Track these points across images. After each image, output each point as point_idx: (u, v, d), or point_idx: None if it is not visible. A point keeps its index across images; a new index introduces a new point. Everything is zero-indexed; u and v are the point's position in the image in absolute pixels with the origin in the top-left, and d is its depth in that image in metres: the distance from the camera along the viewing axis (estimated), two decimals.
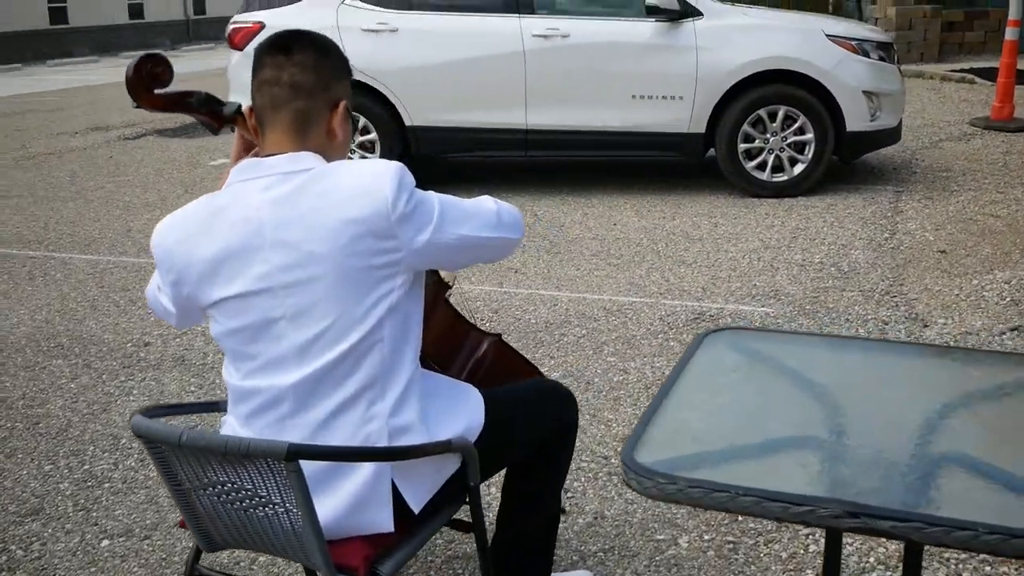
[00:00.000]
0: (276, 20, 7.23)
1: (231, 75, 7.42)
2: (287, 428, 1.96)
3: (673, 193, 7.16)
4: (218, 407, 2.17)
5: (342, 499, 1.95)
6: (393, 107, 7.13)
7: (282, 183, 1.87)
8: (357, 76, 6.93)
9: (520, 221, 2.10)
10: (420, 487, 2.04)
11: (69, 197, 7.75)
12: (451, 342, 2.38)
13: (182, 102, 2.01)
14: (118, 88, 16.59)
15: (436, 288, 2.33)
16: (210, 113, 2.06)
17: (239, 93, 7.27)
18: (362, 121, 7.14)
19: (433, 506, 2.09)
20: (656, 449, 1.64)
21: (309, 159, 1.91)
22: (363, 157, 7.22)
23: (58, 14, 27.06)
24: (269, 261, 1.87)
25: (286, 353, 1.92)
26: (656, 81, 6.93)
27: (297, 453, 1.75)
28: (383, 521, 1.96)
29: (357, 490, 1.95)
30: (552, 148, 7.22)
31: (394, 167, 1.87)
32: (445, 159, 7.93)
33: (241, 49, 7.25)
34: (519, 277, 5.37)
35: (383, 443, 1.96)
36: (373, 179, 1.85)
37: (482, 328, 2.54)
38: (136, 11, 29.30)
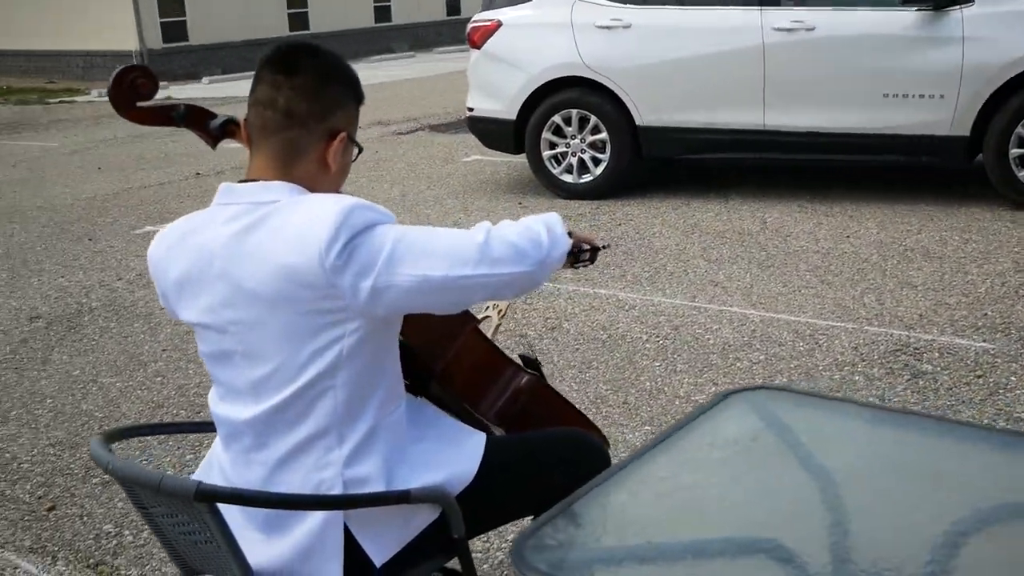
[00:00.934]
0: (512, 17, 7.22)
1: (470, 74, 7.50)
2: (251, 462, 1.87)
3: (926, 203, 6.40)
4: (201, 428, 2.11)
5: (289, 545, 1.83)
6: (624, 106, 6.91)
7: (247, 214, 1.76)
8: (588, 74, 6.82)
9: (525, 251, 1.75)
10: (384, 539, 1.87)
11: None
12: (483, 376, 2.17)
13: (164, 116, 1.96)
14: (416, 84, 17.46)
15: (464, 318, 2.14)
16: (195, 127, 1.99)
17: (478, 92, 7.35)
18: (592, 120, 6.99)
19: (408, 559, 1.91)
20: (562, 539, 1.37)
21: (280, 190, 1.78)
22: (593, 158, 7.07)
23: (382, 12, 28.94)
24: (213, 294, 1.78)
25: (242, 388, 1.83)
26: (913, 78, 6.22)
27: (206, 495, 1.64)
28: (330, 573, 1.82)
29: (304, 538, 1.82)
30: (791, 151, 6.68)
31: (338, 209, 1.68)
32: (677, 160, 7.59)
33: (480, 47, 7.30)
34: (716, 291, 5.00)
35: (337, 492, 1.81)
36: (312, 224, 1.68)
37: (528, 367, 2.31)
38: (453, 9, 30.77)
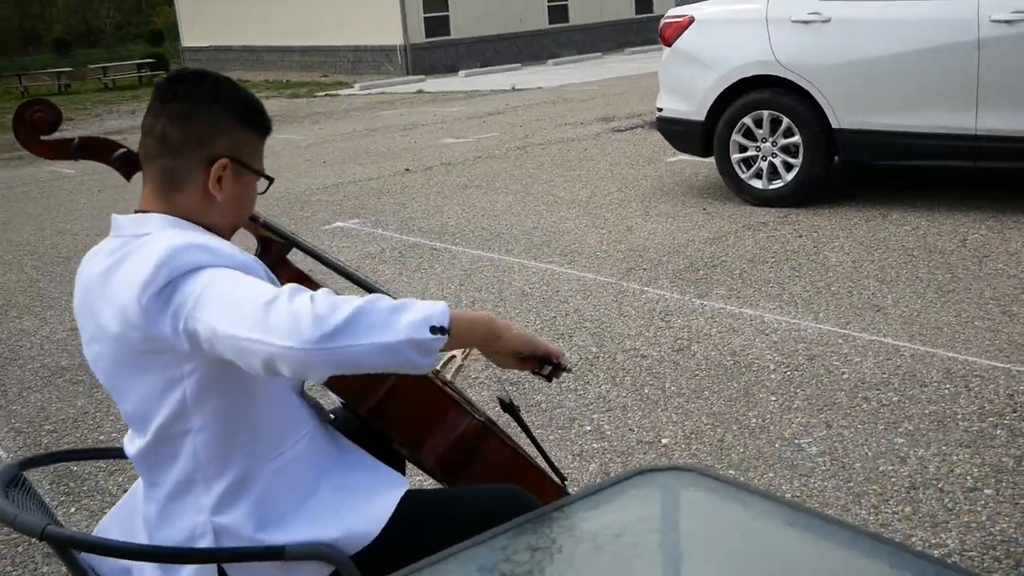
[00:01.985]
0: (705, 13, 6.87)
1: (660, 73, 7.22)
2: (149, 499, 1.82)
3: None
4: (106, 455, 2.07)
5: None
6: (819, 107, 6.39)
7: (120, 248, 1.70)
8: (782, 73, 6.37)
9: (300, 325, 1.44)
10: None
11: (509, 190, 8.15)
12: (423, 419, 2.02)
13: (62, 149, 1.93)
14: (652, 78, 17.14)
15: None
16: (98, 159, 1.95)
17: (668, 92, 7.06)
18: (785, 122, 6.53)
19: None
20: None
21: (155, 223, 1.71)
22: (785, 163, 6.61)
23: (644, 4, 28.68)
24: (86, 328, 1.74)
25: (128, 422, 1.79)
26: None
27: (50, 537, 1.60)
28: None
29: None
30: (1010, 158, 5.92)
31: (163, 250, 1.57)
32: (876, 166, 6.94)
33: (671, 45, 7.00)
34: (875, 318, 4.50)
35: (207, 541, 1.73)
36: (141, 263, 1.59)
37: (476, 411, 2.13)
38: None
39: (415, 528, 1.83)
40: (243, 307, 1.50)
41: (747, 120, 6.68)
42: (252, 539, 1.73)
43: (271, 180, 1.86)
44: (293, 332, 1.44)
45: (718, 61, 6.69)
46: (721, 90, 6.70)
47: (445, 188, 8.46)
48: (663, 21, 7.15)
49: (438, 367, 2.16)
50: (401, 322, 1.50)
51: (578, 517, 1.52)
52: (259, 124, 1.82)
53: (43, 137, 1.91)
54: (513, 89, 17.82)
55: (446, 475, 2.01)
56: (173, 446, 1.70)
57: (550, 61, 24.35)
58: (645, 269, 5.54)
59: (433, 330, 1.51)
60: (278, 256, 2.07)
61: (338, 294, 1.54)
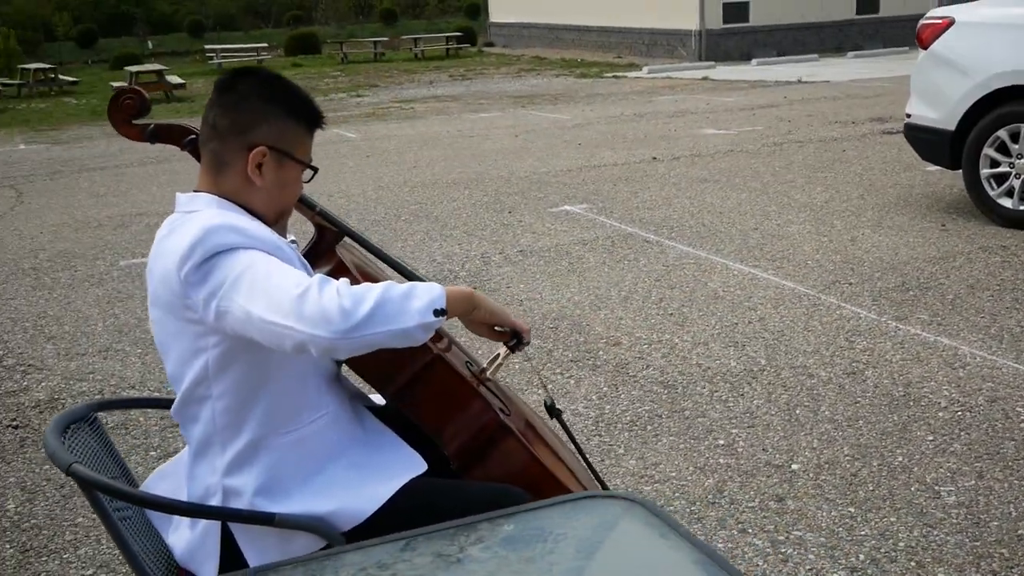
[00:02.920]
0: (967, 15, 6.34)
1: (912, 77, 6.75)
2: (188, 454, 2.03)
3: None
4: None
5: (186, 538, 1.95)
6: None
7: (176, 221, 1.91)
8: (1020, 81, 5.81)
9: (330, 317, 1.62)
10: (263, 551, 1.92)
11: (747, 187, 7.92)
12: (447, 408, 2.09)
13: (139, 133, 2.13)
14: None
15: (419, 349, 2.05)
16: (171, 143, 2.14)
17: (918, 98, 6.63)
18: None
19: None
20: None
21: (203, 201, 1.90)
22: (1018, 176, 6.02)
23: (866, 4, 26.37)
24: (149, 291, 1.94)
25: (170, 381, 1.99)
26: None
27: (73, 474, 1.83)
28: (207, 573, 1.92)
29: (189, 535, 1.94)
30: None
31: (200, 231, 1.74)
32: None
33: (927, 48, 6.53)
34: None
35: (216, 500, 1.91)
36: (183, 238, 1.77)
37: (508, 407, 2.17)
38: None
39: (407, 513, 1.91)
40: (278, 296, 1.65)
41: (1002, 133, 6.13)
42: (251, 503, 1.88)
43: (315, 170, 2.00)
44: (324, 322, 1.62)
45: (975, 67, 6.16)
46: (976, 99, 6.18)
47: (683, 180, 8.37)
48: (921, 22, 6.67)
49: (484, 364, 2.22)
50: (412, 309, 1.68)
51: (502, 531, 1.54)
52: (306, 117, 1.95)
53: (134, 121, 2.14)
54: (799, 81, 17.16)
55: (461, 466, 2.07)
56: (196, 409, 1.89)
57: (850, 54, 23.17)
58: (851, 284, 5.26)
59: (436, 313, 1.70)
60: (331, 244, 2.19)
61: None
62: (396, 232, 7.00)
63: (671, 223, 6.84)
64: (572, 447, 2.41)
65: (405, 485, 1.95)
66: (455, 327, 2.35)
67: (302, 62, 28.49)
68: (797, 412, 3.79)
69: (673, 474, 3.37)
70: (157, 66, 22.04)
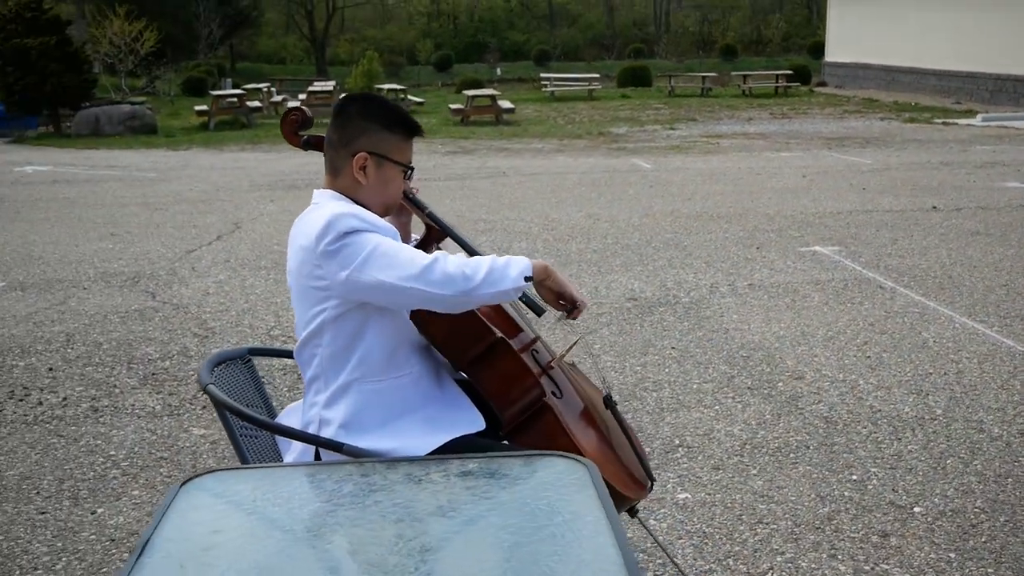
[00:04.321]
0: None
1: None
2: None
3: None
4: None
5: (291, 455, 2.51)
6: None
7: (309, 210, 2.49)
8: None
9: (454, 280, 2.20)
10: None
11: (1021, 243, 7.53)
12: (505, 384, 2.48)
13: (297, 142, 2.70)
14: None
15: (480, 332, 2.44)
16: (320, 151, 2.67)
17: None
18: None
19: None
20: None
21: (324, 196, 2.46)
22: None
23: None
24: (288, 263, 2.52)
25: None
26: None
27: (208, 392, 2.45)
28: None
29: (295, 454, 2.49)
30: None
31: (330, 214, 2.29)
32: None
33: None
34: None
35: (314, 427, 2.45)
36: (316, 221, 2.34)
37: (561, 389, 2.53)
38: None
39: None
40: (409, 267, 2.23)
41: None
42: (336, 434, 2.40)
43: (410, 169, 2.49)
44: (449, 284, 2.22)
45: None
46: None
47: (953, 231, 8.08)
48: None
49: (559, 353, 2.61)
50: (510, 275, 2.25)
51: (465, 466, 1.94)
52: (399, 128, 2.45)
53: (298, 132, 2.73)
54: None
55: (509, 433, 2.47)
56: (309, 354, 2.43)
57: None
58: None
59: (526, 279, 2.27)
60: (436, 240, 2.67)
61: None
62: (640, 256, 7.39)
63: (915, 272, 6.72)
64: (624, 437, 2.70)
65: (456, 439, 2.39)
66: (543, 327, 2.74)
67: (630, 94, 29.38)
68: (947, 462, 3.79)
69: (792, 498, 3.54)
70: (492, 91, 23.70)
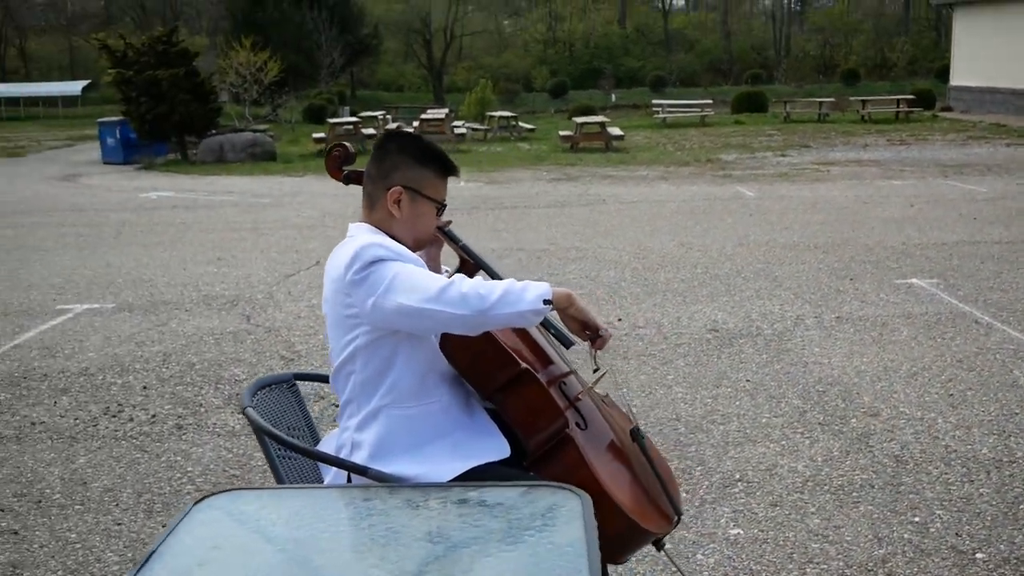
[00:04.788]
0: None
1: None
2: None
3: None
4: None
5: (326, 478, 2.61)
6: None
7: (344, 242, 2.59)
8: None
9: (469, 300, 2.26)
10: None
11: None
12: (531, 415, 2.52)
13: (339, 177, 2.81)
14: None
15: (503, 361, 2.49)
16: (359, 185, 2.77)
17: None
18: None
19: None
20: None
21: (359, 229, 2.56)
22: None
23: None
24: (324, 292, 2.63)
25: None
26: None
27: (247, 415, 2.56)
28: None
29: (329, 477, 2.59)
30: None
31: (358, 245, 2.39)
32: None
33: None
34: None
35: (346, 451, 2.54)
36: (347, 252, 2.44)
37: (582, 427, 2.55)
38: None
39: None
40: (426, 288, 2.30)
41: None
42: (367, 458, 2.48)
43: (443, 206, 2.57)
44: (464, 304, 2.27)
45: None
46: None
47: None
48: None
49: (590, 380, 2.64)
50: (527, 298, 2.27)
51: (463, 494, 2.00)
52: (433, 165, 2.53)
53: (342, 167, 2.84)
54: None
55: (532, 463, 2.51)
56: (343, 380, 2.53)
57: None
58: None
59: (544, 302, 2.28)
60: (469, 273, 2.73)
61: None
62: (728, 286, 7.32)
63: (1017, 307, 6.47)
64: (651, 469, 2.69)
65: (479, 466, 2.44)
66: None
67: (744, 120, 29.03)
68: (1021, 508, 3.65)
69: (848, 538, 3.46)
70: (601, 119, 23.77)
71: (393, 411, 2.46)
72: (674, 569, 3.12)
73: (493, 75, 42.82)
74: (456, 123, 25.89)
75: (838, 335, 5.95)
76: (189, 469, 4.23)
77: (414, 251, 2.57)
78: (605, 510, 2.46)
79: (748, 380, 5.18)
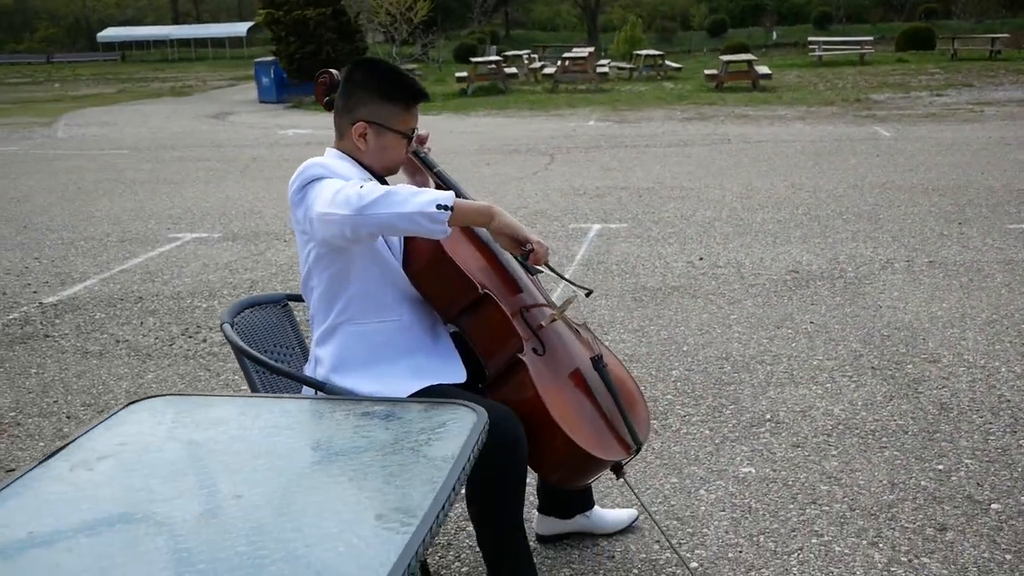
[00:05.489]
0: None
1: None
2: None
3: None
4: None
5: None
6: None
7: None
8: None
9: (351, 201, 2.24)
10: None
11: None
12: (489, 338, 2.56)
13: (325, 104, 2.86)
14: None
15: (465, 286, 2.53)
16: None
17: None
18: None
19: None
20: None
21: (330, 154, 2.63)
22: None
23: None
24: None
25: None
26: None
27: (224, 331, 2.71)
28: None
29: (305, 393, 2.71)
30: None
31: (300, 168, 2.47)
32: None
33: None
34: None
35: (311, 365, 2.66)
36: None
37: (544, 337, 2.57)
38: None
39: None
40: (328, 194, 2.34)
41: None
42: (326, 374, 2.59)
43: (410, 138, 2.61)
44: (346, 204, 2.27)
45: None
46: None
47: None
48: None
49: (559, 305, 2.65)
50: (416, 201, 2.21)
51: (371, 407, 2.07)
52: (401, 98, 2.57)
53: (328, 95, 2.90)
54: None
55: (488, 385, 2.56)
56: (308, 294, 2.63)
57: None
58: None
59: (439, 207, 2.20)
60: None
61: None
62: (824, 228, 7.08)
63: None
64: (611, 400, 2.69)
65: (431, 386, 2.50)
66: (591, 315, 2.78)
67: (908, 58, 27.59)
68: None
69: (861, 482, 3.37)
70: (748, 56, 23.03)
71: (349, 327, 2.53)
72: (678, 563, 3.09)
73: (650, 13, 41.99)
74: (600, 62, 25.60)
75: (924, 279, 5.69)
76: (243, 387, 4.47)
77: (384, 176, 2.63)
78: (550, 434, 2.50)
79: (812, 322, 5.04)
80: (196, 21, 52.44)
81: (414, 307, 2.59)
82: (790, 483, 3.39)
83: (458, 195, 2.79)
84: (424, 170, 2.80)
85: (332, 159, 2.55)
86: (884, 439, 3.69)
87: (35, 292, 6.10)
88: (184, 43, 45.33)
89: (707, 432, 3.79)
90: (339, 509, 1.65)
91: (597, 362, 2.65)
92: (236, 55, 44.11)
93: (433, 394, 2.48)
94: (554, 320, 2.67)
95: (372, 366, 2.54)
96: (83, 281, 6.33)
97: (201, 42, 45.91)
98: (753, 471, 3.49)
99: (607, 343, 4.81)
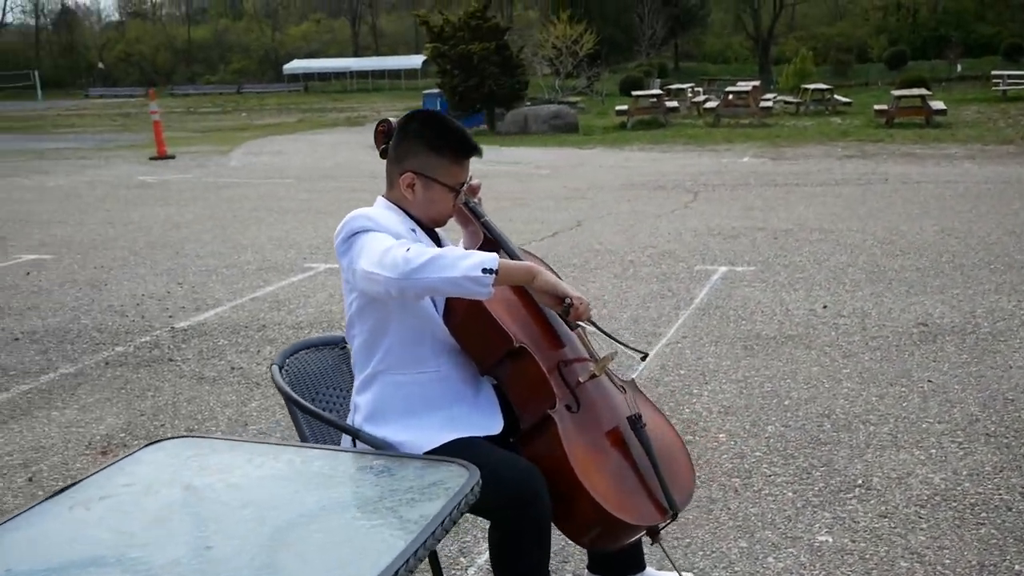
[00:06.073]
0: None
1: None
2: None
3: None
4: None
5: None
6: None
7: None
8: None
9: (398, 264, 2.27)
10: None
11: None
12: (522, 391, 2.54)
13: (380, 151, 2.88)
14: None
15: (502, 339, 2.52)
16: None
17: None
18: None
19: None
20: None
21: (379, 203, 2.68)
22: None
23: None
24: None
25: None
26: None
27: (273, 376, 2.78)
28: None
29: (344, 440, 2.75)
30: None
31: (346, 219, 2.51)
32: None
33: None
34: None
35: (351, 413, 2.69)
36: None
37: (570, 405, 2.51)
38: None
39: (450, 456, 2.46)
40: (375, 253, 2.38)
41: None
42: (360, 424, 2.61)
43: (457, 191, 2.61)
44: (393, 267, 2.30)
45: None
46: None
47: None
48: None
49: (598, 361, 2.59)
50: (462, 265, 2.25)
51: (367, 461, 2.08)
52: (451, 152, 2.58)
53: (386, 143, 2.94)
54: None
55: (520, 439, 2.52)
56: (351, 341, 2.67)
57: None
58: None
59: (484, 271, 2.24)
60: (491, 249, 2.75)
61: None
62: (966, 278, 6.66)
63: None
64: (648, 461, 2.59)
65: (461, 439, 2.49)
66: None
67: None
68: None
69: (947, 561, 3.13)
70: (921, 91, 22.06)
71: (387, 377, 2.55)
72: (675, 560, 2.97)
73: (823, 45, 40.89)
74: (766, 96, 25.07)
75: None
76: None
77: (432, 228, 2.65)
78: (576, 494, 2.44)
79: (930, 380, 4.74)
80: (375, 54, 54.52)
81: (453, 359, 2.59)
82: (867, 556, 3.19)
83: (504, 249, 2.79)
84: (472, 219, 2.80)
85: (379, 209, 2.59)
86: (983, 514, 3.42)
87: (171, 316, 6.43)
88: (363, 75, 47.29)
89: (790, 495, 3.61)
90: (294, 571, 1.65)
91: (635, 422, 2.58)
92: (411, 86, 45.66)
93: (462, 447, 2.46)
94: (593, 376, 2.61)
95: (406, 416, 2.55)
96: (215, 307, 6.64)
97: (378, 74, 47.75)
98: (830, 540, 3.30)
99: (706, 393, 4.68)
